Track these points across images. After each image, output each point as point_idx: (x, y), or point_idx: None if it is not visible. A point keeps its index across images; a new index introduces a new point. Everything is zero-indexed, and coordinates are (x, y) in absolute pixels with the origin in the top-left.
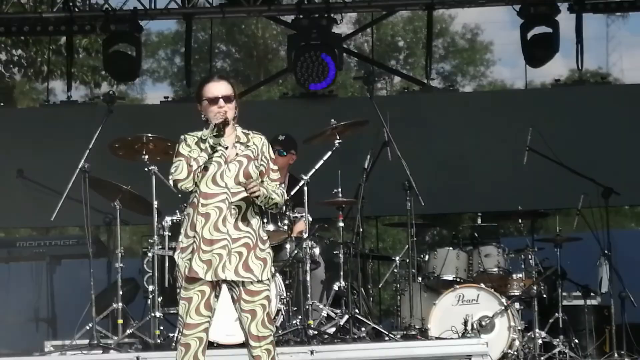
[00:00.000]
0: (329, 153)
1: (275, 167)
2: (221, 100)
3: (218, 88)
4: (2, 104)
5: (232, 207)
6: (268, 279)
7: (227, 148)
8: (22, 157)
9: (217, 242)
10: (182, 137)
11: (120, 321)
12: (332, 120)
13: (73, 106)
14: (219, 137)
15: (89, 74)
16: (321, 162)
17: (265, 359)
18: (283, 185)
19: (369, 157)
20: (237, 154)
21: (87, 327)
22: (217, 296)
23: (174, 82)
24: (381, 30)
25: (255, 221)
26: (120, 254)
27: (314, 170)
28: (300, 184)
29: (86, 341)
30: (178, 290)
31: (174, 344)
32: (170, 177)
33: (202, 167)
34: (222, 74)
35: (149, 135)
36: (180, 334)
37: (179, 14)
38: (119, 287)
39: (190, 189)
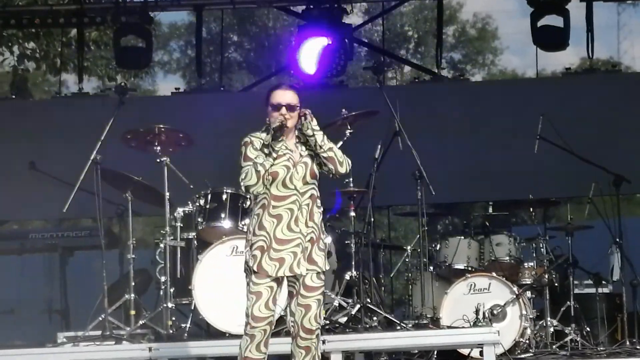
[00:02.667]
0: (340, 143)
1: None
2: (284, 109)
3: (284, 96)
4: (14, 96)
5: (303, 207)
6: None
7: (292, 151)
8: (34, 149)
9: (291, 241)
10: (248, 139)
11: (132, 312)
12: (343, 110)
13: (85, 98)
14: (276, 140)
15: (102, 67)
16: None
17: (313, 350)
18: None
19: (379, 146)
20: (301, 155)
21: (100, 318)
22: (280, 292)
23: (186, 74)
24: (391, 20)
25: (318, 215)
26: (132, 245)
27: None
28: None
29: (99, 332)
30: (247, 282)
31: (186, 335)
32: (241, 182)
33: (269, 170)
34: (292, 84)
35: (161, 126)
36: (247, 325)
37: (190, 5)
38: (131, 278)
39: (261, 192)
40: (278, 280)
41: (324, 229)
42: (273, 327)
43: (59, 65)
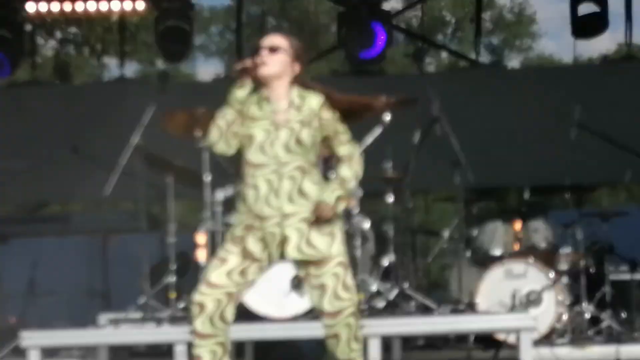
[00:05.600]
0: (380, 129)
1: (342, 128)
2: (265, 51)
3: (267, 40)
4: (57, 82)
5: (285, 179)
6: (339, 252)
7: (278, 112)
8: (77, 133)
9: (270, 218)
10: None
11: (173, 295)
12: (383, 98)
13: (126, 83)
14: (241, 88)
15: (143, 51)
16: (371, 138)
17: (345, 335)
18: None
19: (418, 132)
20: (288, 119)
21: (141, 301)
22: (261, 270)
23: (225, 58)
24: (429, 5)
25: (314, 192)
26: (173, 229)
27: (364, 146)
28: None
29: (140, 314)
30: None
31: None
32: (205, 142)
33: (234, 123)
34: (283, 31)
35: (201, 109)
36: (197, 290)
37: None
38: (172, 261)
39: (229, 152)
40: (255, 258)
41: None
42: (236, 302)
43: (100, 50)
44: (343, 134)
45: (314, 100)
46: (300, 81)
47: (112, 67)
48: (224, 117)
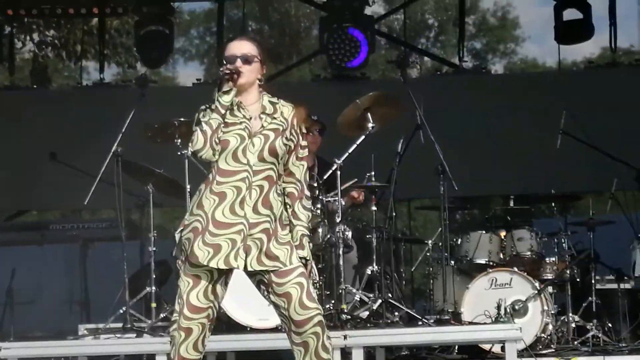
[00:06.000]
0: (362, 137)
1: (305, 143)
2: (238, 60)
3: (238, 47)
4: (35, 86)
5: (253, 188)
6: (299, 261)
7: (250, 119)
8: (55, 139)
9: (232, 225)
10: (204, 106)
11: (153, 305)
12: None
13: (106, 88)
14: (227, 93)
15: (122, 55)
16: (354, 146)
17: (313, 344)
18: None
19: (401, 140)
20: (262, 127)
21: (121, 311)
22: (226, 284)
23: (205, 60)
24: (411, 8)
25: (277, 204)
26: (153, 238)
27: (347, 154)
28: (333, 168)
29: (120, 325)
30: (180, 268)
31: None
32: (189, 149)
33: (218, 128)
34: (247, 36)
35: (181, 119)
36: (180, 315)
37: None
38: (152, 270)
39: (213, 159)
40: (219, 270)
41: (287, 223)
42: (213, 323)
43: (79, 53)
44: (302, 148)
45: (286, 109)
46: (265, 86)
47: (91, 70)
48: (209, 123)
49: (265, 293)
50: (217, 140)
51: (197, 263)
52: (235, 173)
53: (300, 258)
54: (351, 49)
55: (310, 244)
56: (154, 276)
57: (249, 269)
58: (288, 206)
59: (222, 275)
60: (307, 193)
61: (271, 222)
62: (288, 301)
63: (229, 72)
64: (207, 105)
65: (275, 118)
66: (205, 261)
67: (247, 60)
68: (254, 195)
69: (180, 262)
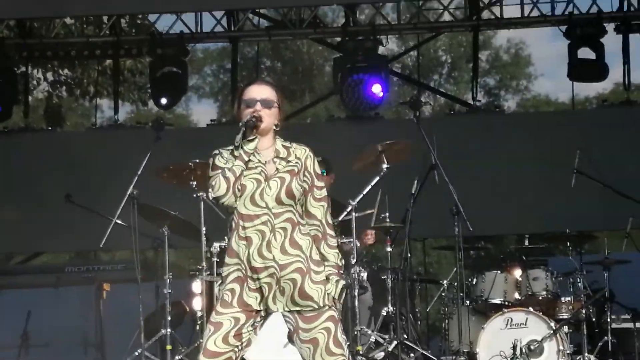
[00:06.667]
0: (377, 178)
1: (321, 184)
2: (258, 104)
3: (258, 91)
4: (49, 128)
5: (277, 230)
6: (331, 303)
7: (265, 163)
8: (70, 181)
9: (263, 269)
10: (217, 150)
11: (169, 347)
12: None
13: (120, 129)
14: (251, 141)
15: (136, 92)
16: (369, 187)
17: None
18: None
19: (416, 181)
20: (277, 170)
21: (136, 353)
22: (254, 325)
23: (220, 98)
24: (424, 44)
25: (305, 242)
26: (168, 280)
27: (361, 195)
28: (348, 209)
29: None
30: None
31: None
32: (210, 194)
33: (241, 175)
34: (266, 79)
35: (196, 161)
36: None
37: (226, 37)
38: (167, 312)
39: (234, 204)
40: (247, 314)
41: (319, 259)
42: None
43: (92, 93)
44: (319, 189)
45: (299, 151)
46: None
47: (105, 108)
48: (232, 170)
49: (293, 338)
50: (239, 187)
51: (249, 310)
52: (256, 217)
53: (328, 294)
54: (367, 97)
55: (343, 282)
56: (169, 318)
57: (285, 309)
58: (315, 247)
59: (250, 319)
60: (331, 232)
61: (303, 262)
62: (314, 347)
63: (255, 119)
64: (220, 150)
65: (289, 161)
66: (257, 306)
67: (267, 105)
68: (279, 238)
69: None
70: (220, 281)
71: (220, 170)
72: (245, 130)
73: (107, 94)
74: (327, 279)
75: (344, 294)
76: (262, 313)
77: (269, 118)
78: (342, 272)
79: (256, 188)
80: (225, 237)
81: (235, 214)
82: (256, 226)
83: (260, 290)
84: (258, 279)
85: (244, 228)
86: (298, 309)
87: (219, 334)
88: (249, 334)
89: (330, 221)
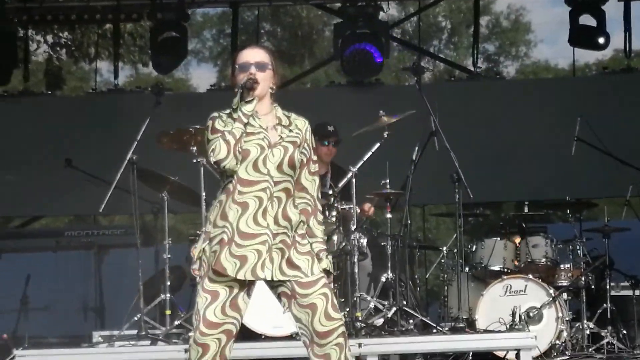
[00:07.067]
0: (377, 145)
1: (315, 158)
2: (253, 67)
3: (251, 55)
4: (49, 92)
5: (274, 198)
6: (320, 272)
7: (267, 129)
8: (70, 145)
9: (257, 236)
10: (215, 114)
11: (168, 312)
12: (381, 111)
13: (120, 94)
14: (249, 102)
15: (136, 54)
16: (369, 153)
17: (336, 356)
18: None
19: (416, 148)
20: (281, 137)
21: (136, 318)
22: (249, 295)
23: (219, 63)
24: (424, 10)
25: (295, 217)
26: (168, 245)
27: (362, 162)
28: (348, 175)
29: (134, 332)
30: (199, 282)
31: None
32: (210, 158)
33: (241, 138)
34: (260, 44)
35: (196, 126)
36: (196, 331)
37: (226, 2)
38: (166, 278)
39: (235, 168)
40: (243, 282)
41: (303, 233)
42: (234, 338)
43: (93, 55)
44: (314, 163)
45: (300, 122)
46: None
47: (104, 72)
48: (232, 133)
49: (287, 305)
50: (239, 150)
51: (224, 274)
52: (256, 183)
53: (322, 270)
54: (366, 64)
55: (329, 257)
56: (168, 283)
57: (274, 279)
58: (302, 223)
59: (244, 288)
60: (320, 208)
61: (288, 235)
62: (313, 312)
63: (251, 80)
64: (219, 113)
65: (291, 130)
66: (234, 273)
67: (261, 67)
68: (275, 207)
69: (198, 276)
70: (206, 239)
71: (219, 134)
72: (243, 92)
73: (107, 54)
74: (318, 255)
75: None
76: (240, 286)
77: (264, 81)
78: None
79: (259, 154)
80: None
81: (235, 178)
82: (255, 192)
83: (244, 257)
84: (247, 245)
85: (241, 193)
86: (287, 278)
87: (216, 304)
88: (246, 304)
89: (319, 196)
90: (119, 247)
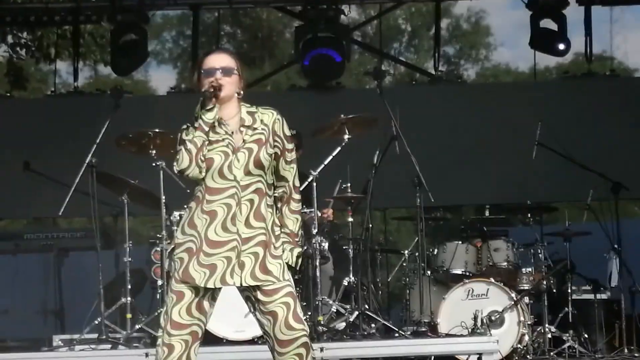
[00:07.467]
0: (338, 148)
1: (291, 146)
2: (218, 72)
3: (217, 60)
4: (8, 94)
5: (243, 203)
6: (290, 278)
7: (232, 134)
8: (29, 149)
9: (226, 243)
10: (185, 125)
11: (129, 315)
12: (342, 115)
13: (80, 97)
14: (210, 110)
15: (97, 53)
16: (330, 157)
17: None
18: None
19: (377, 152)
20: (244, 141)
21: (96, 322)
22: (214, 299)
23: (179, 65)
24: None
25: (269, 215)
26: (128, 248)
27: (322, 165)
28: (309, 179)
29: (95, 335)
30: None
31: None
32: (175, 168)
33: (203, 146)
34: (225, 48)
35: (155, 130)
36: (163, 332)
37: (186, 5)
38: (127, 281)
39: (199, 177)
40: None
41: (278, 233)
42: (200, 340)
43: (53, 55)
44: (289, 152)
45: (267, 116)
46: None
47: (63, 74)
48: (193, 142)
49: (252, 309)
50: (202, 158)
51: (193, 285)
52: (223, 190)
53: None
54: (327, 68)
55: (298, 249)
56: (129, 286)
57: (244, 284)
58: (276, 226)
59: (209, 291)
60: (296, 197)
61: (266, 234)
62: (274, 320)
63: (213, 89)
64: (188, 124)
65: (255, 129)
66: (203, 283)
67: (227, 72)
68: (244, 210)
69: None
70: (173, 247)
71: (184, 144)
72: (204, 100)
73: (68, 54)
74: (282, 249)
75: (299, 262)
76: (205, 289)
77: (230, 86)
78: (297, 240)
79: (224, 161)
80: (185, 206)
81: (202, 187)
82: (222, 200)
83: (212, 266)
84: (215, 254)
85: (209, 202)
86: (258, 283)
87: (182, 305)
88: (212, 308)
89: (297, 184)
90: (79, 250)
